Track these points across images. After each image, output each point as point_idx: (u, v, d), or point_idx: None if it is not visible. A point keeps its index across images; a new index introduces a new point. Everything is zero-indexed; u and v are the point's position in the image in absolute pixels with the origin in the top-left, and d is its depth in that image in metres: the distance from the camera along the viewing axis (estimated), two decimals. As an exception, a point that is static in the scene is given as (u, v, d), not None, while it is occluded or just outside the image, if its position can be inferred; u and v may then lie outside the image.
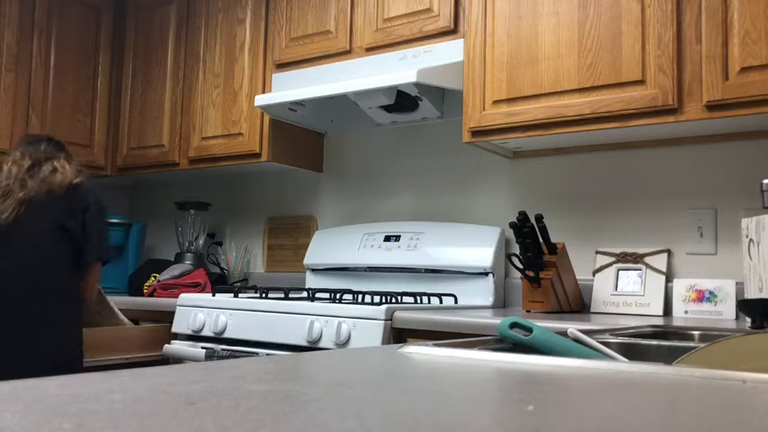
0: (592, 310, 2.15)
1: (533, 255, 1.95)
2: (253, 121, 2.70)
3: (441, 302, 2.21)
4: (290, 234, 2.99)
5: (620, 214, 2.22)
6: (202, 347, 2.09)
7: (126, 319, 2.31)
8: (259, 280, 3.01)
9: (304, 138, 2.84)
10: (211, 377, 0.57)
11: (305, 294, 2.20)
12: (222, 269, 3.05)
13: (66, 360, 1.92)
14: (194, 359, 2.07)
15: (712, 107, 1.77)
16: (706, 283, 1.99)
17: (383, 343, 1.77)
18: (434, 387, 0.57)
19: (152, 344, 2.26)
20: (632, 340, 1.13)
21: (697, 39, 1.80)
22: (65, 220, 1.94)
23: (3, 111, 2.81)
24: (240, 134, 2.74)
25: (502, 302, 2.36)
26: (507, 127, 2.07)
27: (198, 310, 2.16)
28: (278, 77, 2.64)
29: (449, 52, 2.22)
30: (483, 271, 2.30)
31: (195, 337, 2.15)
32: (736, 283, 1.94)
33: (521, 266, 1.99)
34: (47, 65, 2.96)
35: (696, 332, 1.35)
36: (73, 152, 2.18)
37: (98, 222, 2.03)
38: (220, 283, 2.95)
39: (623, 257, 2.16)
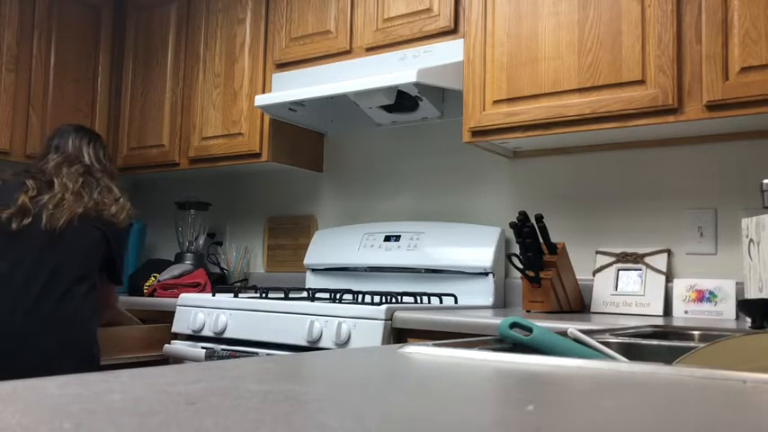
0: (592, 310, 2.15)
1: (533, 255, 1.95)
2: (253, 121, 2.70)
3: (441, 302, 2.21)
4: (290, 234, 2.99)
5: (620, 214, 2.22)
6: (202, 347, 2.09)
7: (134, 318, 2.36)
8: (259, 280, 3.01)
9: (304, 138, 2.84)
10: (211, 377, 0.57)
11: (305, 294, 2.20)
12: (222, 269, 3.04)
13: (94, 356, 1.99)
14: (194, 359, 2.07)
15: (712, 107, 1.77)
16: (706, 283, 1.99)
17: (383, 343, 1.77)
18: (434, 387, 0.57)
19: (152, 344, 2.26)
20: (632, 340, 1.13)
21: (697, 39, 1.80)
22: (105, 229, 2.05)
23: (3, 111, 2.81)
24: (240, 134, 2.74)
25: (502, 302, 2.36)
26: (507, 127, 2.07)
27: (198, 310, 2.16)
28: (278, 77, 2.64)
29: (449, 52, 2.22)
30: (483, 271, 2.30)
31: (195, 337, 2.15)
32: (736, 283, 1.94)
33: (521, 266, 1.99)
34: (47, 65, 2.96)
35: (696, 332, 1.35)
36: (106, 148, 2.28)
37: (124, 253, 2.18)
38: (220, 283, 2.94)
39: (623, 257, 2.16)
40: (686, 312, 1.99)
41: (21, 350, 1.84)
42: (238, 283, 2.99)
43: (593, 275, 2.20)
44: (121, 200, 2.11)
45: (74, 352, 1.92)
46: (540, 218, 1.96)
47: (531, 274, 1.96)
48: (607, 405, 0.50)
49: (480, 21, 2.15)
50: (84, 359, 1.93)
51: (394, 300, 2.00)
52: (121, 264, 2.15)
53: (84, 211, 1.99)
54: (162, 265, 2.83)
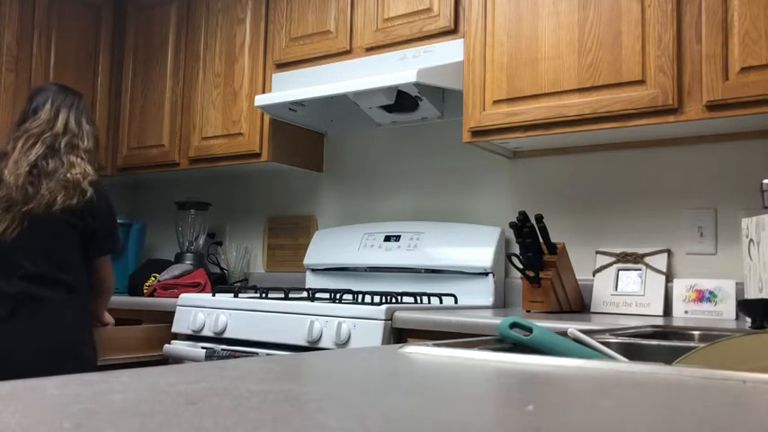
0: (592, 310, 2.15)
1: (533, 255, 1.95)
2: (253, 121, 2.70)
3: (441, 302, 2.21)
4: (290, 234, 2.99)
5: (620, 214, 2.22)
6: (202, 347, 2.09)
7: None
8: (259, 280, 3.01)
9: (304, 138, 2.84)
10: (211, 377, 0.57)
11: (305, 294, 2.20)
12: (222, 269, 3.05)
13: (86, 357, 1.94)
14: (194, 359, 2.07)
15: (712, 107, 1.77)
16: (706, 283, 1.99)
17: (383, 343, 1.77)
18: (434, 387, 0.57)
19: (152, 344, 2.26)
20: (632, 340, 1.13)
21: (697, 39, 1.80)
22: (71, 218, 1.94)
23: (3, 111, 2.81)
24: (240, 134, 2.74)
25: (502, 302, 2.36)
26: (507, 127, 2.07)
27: (198, 310, 2.16)
28: (278, 77, 2.64)
29: (449, 52, 2.22)
30: (483, 271, 2.30)
31: (195, 337, 2.15)
32: (736, 283, 1.94)
33: (521, 266, 1.99)
34: (47, 65, 2.96)
35: (696, 332, 1.35)
36: (88, 111, 2.16)
37: (108, 217, 2.04)
38: (220, 283, 2.94)
39: (623, 257, 2.16)
40: (686, 312, 1.99)
41: (8, 366, 1.79)
42: (238, 283, 2.99)
43: (593, 275, 2.20)
44: (70, 176, 1.94)
45: (62, 356, 1.86)
46: (539, 218, 1.96)
47: (531, 274, 1.96)
48: (607, 405, 0.50)
49: (480, 21, 2.15)
50: (76, 360, 1.89)
51: (394, 300, 2.00)
52: (108, 231, 2.02)
53: (28, 210, 1.88)
54: (162, 265, 2.83)
